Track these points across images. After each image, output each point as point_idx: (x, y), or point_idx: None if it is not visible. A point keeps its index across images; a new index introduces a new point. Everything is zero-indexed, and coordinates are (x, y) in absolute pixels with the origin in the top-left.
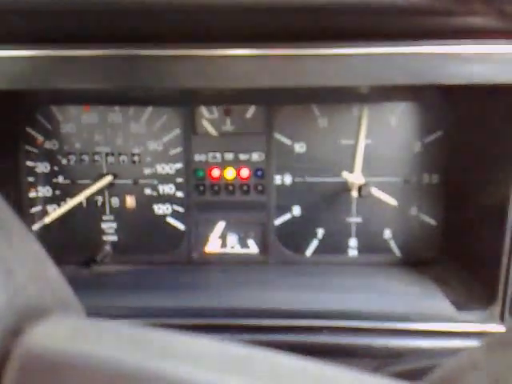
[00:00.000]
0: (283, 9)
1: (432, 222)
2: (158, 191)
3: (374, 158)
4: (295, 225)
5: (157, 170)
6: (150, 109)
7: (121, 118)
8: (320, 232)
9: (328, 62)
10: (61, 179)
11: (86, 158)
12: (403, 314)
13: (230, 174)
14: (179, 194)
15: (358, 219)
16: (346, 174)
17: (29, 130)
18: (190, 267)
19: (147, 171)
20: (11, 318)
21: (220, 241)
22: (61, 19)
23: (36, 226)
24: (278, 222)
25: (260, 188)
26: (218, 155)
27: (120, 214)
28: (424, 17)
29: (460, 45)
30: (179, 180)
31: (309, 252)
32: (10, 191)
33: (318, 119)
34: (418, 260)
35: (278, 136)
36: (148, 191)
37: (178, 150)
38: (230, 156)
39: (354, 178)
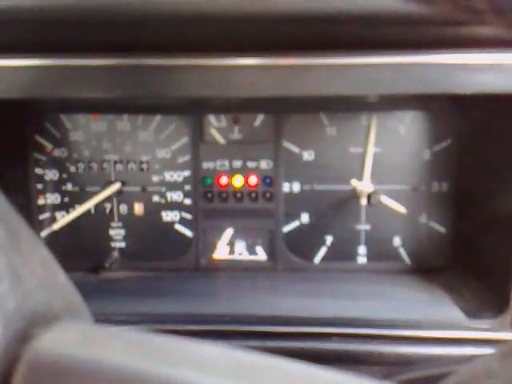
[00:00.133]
0: (292, 19)
1: (442, 229)
2: (166, 198)
3: (383, 166)
4: (304, 232)
5: (165, 178)
6: (158, 117)
7: (129, 126)
8: (329, 239)
9: (335, 71)
10: (69, 186)
11: (94, 165)
12: (413, 321)
13: (238, 181)
14: (187, 202)
15: (367, 227)
16: (354, 182)
17: (38, 138)
18: (198, 274)
19: (155, 179)
20: (20, 323)
21: (228, 248)
22: (70, 29)
23: (44, 233)
24: (286, 229)
25: (268, 195)
26: (226, 163)
27: (128, 220)
28: (434, 27)
29: (469, 54)
30: (187, 187)
31: (317, 259)
32: (19, 198)
33: (326, 127)
34: (428, 268)
35: (286, 144)
36: (156, 198)
37: (186, 157)
38: (238, 164)
39: (363, 185)
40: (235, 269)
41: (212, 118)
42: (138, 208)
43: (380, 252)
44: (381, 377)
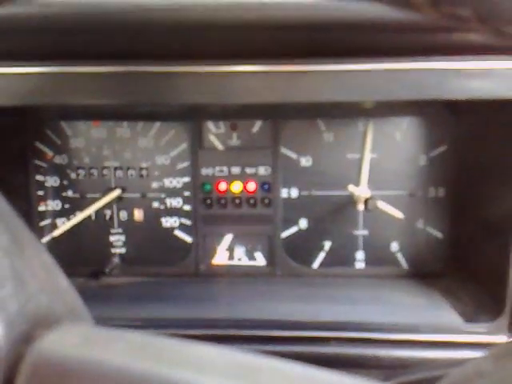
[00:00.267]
0: (289, 27)
1: (439, 234)
2: (165, 204)
3: (380, 171)
4: (302, 237)
5: (164, 184)
6: (157, 124)
7: (129, 133)
8: (327, 245)
9: (331, 78)
10: (70, 193)
11: (94, 172)
12: (411, 325)
13: (236, 187)
14: (187, 207)
15: (365, 232)
16: (352, 188)
17: (38, 144)
18: (197, 279)
19: (155, 185)
20: (23, 325)
21: (227, 253)
22: (70, 37)
23: (45, 239)
24: (284, 234)
25: (267, 201)
26: (225, 169)
27: (128, 226)
28: (426, 34)
29: (462, 61)
30: (186, 193)
31: (316, 264)
32: (19, 205)
33: (323, 134)
34: (425, 272)
35: (284, 150)
36: (156, 204)
37: (186, 164)
38: (236, 170)
39: (360, 191)
40: (234, 274)
41: (211, 125)
42: (138, 214)
43: (378, 257)
44: (379, 380)
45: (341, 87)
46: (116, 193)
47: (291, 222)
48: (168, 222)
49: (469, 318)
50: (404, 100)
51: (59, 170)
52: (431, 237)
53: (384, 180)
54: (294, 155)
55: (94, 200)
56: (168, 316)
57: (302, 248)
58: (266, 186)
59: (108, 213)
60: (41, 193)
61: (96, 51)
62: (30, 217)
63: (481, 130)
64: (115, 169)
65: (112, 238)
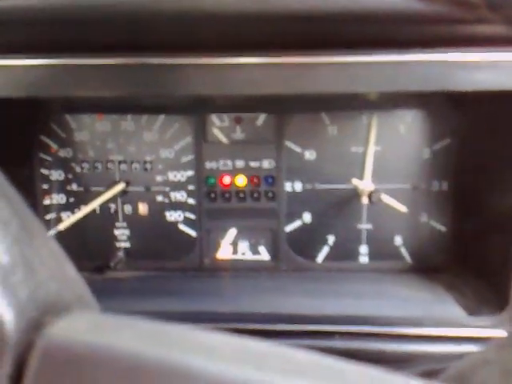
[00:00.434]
0: (294, 18)
1: (442, 228)
2: (169, 198)
3: (384, 165)
4: (306, 231)
5: (169, 178)
6: (161, 117)
7: (133, 127)
8: (331, 239)
9: (336, 69)
10: (75, 187)
11: (99, 165)
12: (414, 319)
13: (240, 181)
14: (191, 201)
15: (369, 226)
16: (355, 181)
17: (43, 138)
18: (201, 273)
19: (159, 178)
20: (33, 312)
21: (231, 247)
22: (76, 29)
23: (50, 233)
24: (288, 228)
25: (270, 195)
26: (229, 163)
27: (133, 220)
28: (433, 25)
29: (468, 52)
30: (191, 187)
31: (320, 258)
32: (24, 198)
33: (327, 127)
34: (429, 266)
35: (288, 144)
36: (160, 198)
37: (190, 157)
38: (240, 163)
39: (364, 184)
40: (238, 268)
41: (215, 118)
42: (143, 208)
43: (381, 251)
44: None
45: (346, 79)
46: (120, 186)
47: (295, 215)
48: (172, 215)
49: (472, 311)
50: (410, 92)
51: (64, 164)
52: (435, 231)
53: (388, 173)
54: (297, 149)
55: (99, 194)
56: (172, 310)
57: (305, 242)
58: (270, 180)
59: (113, 206)
60: (45, 186)
61: (101, 43)
62: (35, 210)
63: (484, 124)
64: (119, 162)
65: (116, 232)
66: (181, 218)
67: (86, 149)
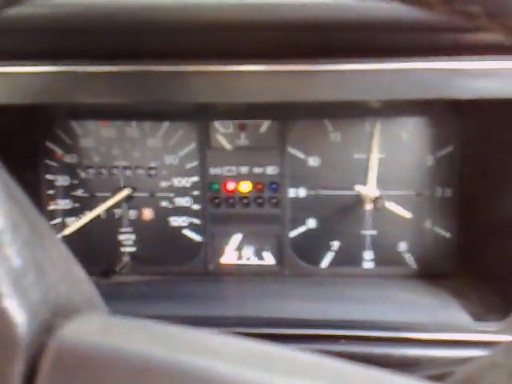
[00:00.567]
0: (296, 27)
1: (447, 234)
2: (174, 204)
3: (387, 171)
4: (310, 237)
5: (173, 183)
6: (166, 124)
7: (138, 133)
8: (335, 244)
9: (339, 77)
10: (80, 192)
11: (104, 171)
12: (420, 323)
13: (244, 187)
14: (195, 207)
15: (373, 232)
16: (358, 187)
17: (49, 144)
18: (206, 278)
19: (164, 184)
20: (46, 314)
21: (236, 253)
22: (80, 36)
23: None
24: (293, 234)
25: (274, 201)
26: (233, 169)
27: (138, 226)
28: (432, 33)
29: (467, 60)
30: (195, 193)
31: (324, 264)
32: None
33: (330, 134)
34: (434, 272)
35: (291, 150)
36: (165, 204)
37: (194, 163)
38: (244, 170)
39: (367, 191)
40: (243, 273)
41: (219, 125)
42: (147, 213)
43: (386, 257)
44: None
45: (348, 86)
46: (125, 192)
47: (299, 221)
48: (177, 221)
49: (477, 317)
50: (411, 99)
51: (69, 170)
52: (439, 237)
53: (391, 180)
54: (301, 155)
55: (104, 199)
56: (177, 314)
57: (310, 248)
58: (274, 186)
59: (118, 212)
60: (51, 192)
61: (105, 51)
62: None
63: (487, 131)
64: (124, 168)
65: (122, 237)
66: (185, 224)
67: (91, 155)
